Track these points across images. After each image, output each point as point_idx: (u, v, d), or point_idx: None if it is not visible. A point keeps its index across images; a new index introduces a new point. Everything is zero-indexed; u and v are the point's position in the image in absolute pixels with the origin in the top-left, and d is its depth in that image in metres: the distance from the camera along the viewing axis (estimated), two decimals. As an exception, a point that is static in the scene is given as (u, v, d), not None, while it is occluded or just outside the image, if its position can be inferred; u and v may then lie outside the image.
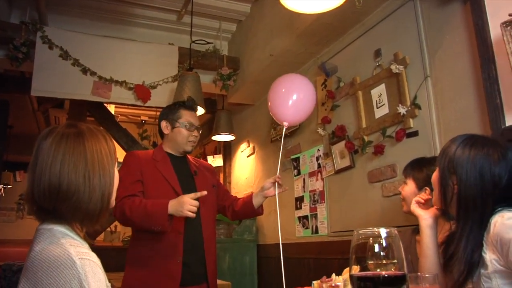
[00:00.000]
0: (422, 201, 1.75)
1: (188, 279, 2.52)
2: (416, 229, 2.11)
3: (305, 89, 2.69)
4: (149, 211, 2.35)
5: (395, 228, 1.03)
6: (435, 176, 1.63)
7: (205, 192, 2.39)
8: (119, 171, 2.53)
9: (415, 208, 1.76)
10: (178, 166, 2.69)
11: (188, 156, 2.82)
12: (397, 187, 2.79)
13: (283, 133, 2.75)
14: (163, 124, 2.72)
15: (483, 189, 1.44)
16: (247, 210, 2.76)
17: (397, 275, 0.97)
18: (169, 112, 2.74)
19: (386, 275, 0.97)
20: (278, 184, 2.64)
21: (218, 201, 2.84)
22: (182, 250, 2.51)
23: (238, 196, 2.93)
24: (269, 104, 2.73)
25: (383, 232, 1.01)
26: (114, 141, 4.85)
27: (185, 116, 2.72)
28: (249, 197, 2.74)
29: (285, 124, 2.70)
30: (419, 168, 2.04)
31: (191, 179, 2.68)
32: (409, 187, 2.05)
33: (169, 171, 2.62)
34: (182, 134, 2.69)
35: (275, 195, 2.63)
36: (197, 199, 2.35)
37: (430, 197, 1.76)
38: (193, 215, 2.33)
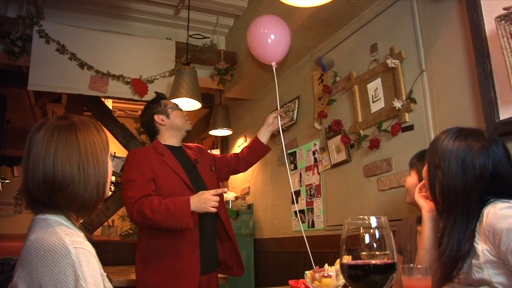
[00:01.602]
0: (424, 191, 1.72)
1: (204, 268, 2.59)
2: (419, 219, 2.10)
3: (278, 25, 3.00)
4: (171, 210, 2.39)
5: (386, 217, 1.04)
6: (425, 169, 1.64)
7: (225, 190, 2.57)
8: (127, 172, 2.58)
9: (418, 198, 1.73)
10: (180, 157, 2.75)
11: (182, 146, 2.86)
12: (393, 181, 2.81)
13: (274, 73, 2.93)
14: (158, 118, 2.78)
15: (465, 182, 1.45)
16: (256, 152, 2.96)
17: (387, 263, 0.98)
18: (155, 107, 2.83)
19: (376, 263, 0.98)
20: (281, 116, 2.91)
21: (223, 169, 2.97)
22: (199, 241, 2.57)
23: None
24: (252, 50, 3.01)
25: (373, 221, 1.03)
26: (112, 136, 4.87)
27: (169, 103, 2.86)
28: (254, 140, 2.97)
29: (273, 64, 2.94)
30: (422, 160, 2.02)
31: (193, 167, 2.75)
32: (412, 178, 2.04)
33: (175, 164, 2.68)
34: (178, 116, 2.82)
35: (279, 128, 2.90)
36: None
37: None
38: (216, 210, 2.43)
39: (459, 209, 1.45)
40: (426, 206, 1.68)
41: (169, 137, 2.78)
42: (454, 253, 1.43)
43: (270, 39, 2.92)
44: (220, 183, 2.79)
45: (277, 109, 2.93)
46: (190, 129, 2.88)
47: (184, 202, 2.41)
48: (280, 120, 2.91)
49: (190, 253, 2.53)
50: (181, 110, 2.87)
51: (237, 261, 2.82)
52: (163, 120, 2.77)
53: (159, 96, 2.94)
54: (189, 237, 2.55)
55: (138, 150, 2.77)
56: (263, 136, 2.94)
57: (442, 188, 1.50)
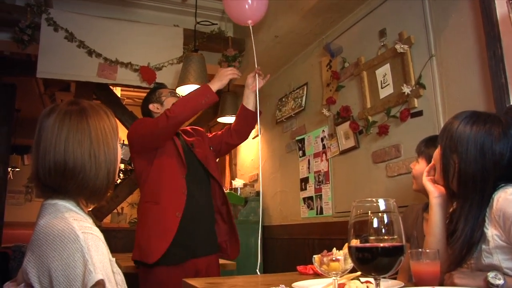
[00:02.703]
0: (433, 174, 1.69)
1: (200, 250, 2.63)
2: (425, 206, 2.07)
3: None
4: (192, 92, 2.64)
5: (394, 200, 1.03)
6: (437, 153, 1.62)
7: (240, 74, 2.79)
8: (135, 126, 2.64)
9: (426, 182, 1.70)
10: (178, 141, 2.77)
11: (179, 131, 2.90)
12: (401, 167, 2.80)
13: (251, 33, 2.85)
14: (153, 107, 2.86)
15: (483, 167, 1.42)
16: (243, 118, 2.89)
17: (395, 246, 0.98)
18: (151, 97, 2.90)
19: (384, 246, 0.98)
20: (259, 74, 2.80)
21: (217, 147, 2.97)
22: (183, 207, 2.59)
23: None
24: (226, 9, 2.95)
25: (381, 203, 1.02)
26: (121, 124, 4.88)
27: (164, 91, 2.90)
28: (241, 109, 2.89)
29: (249, 22, 2.84)
30: (431, 147, 1.97)
31: (190, 151, 2.76)
32: (421, 165, 2.00)
33: (176, 144, 2.72)
34: (172, 102, 2.79)
35: (260, 86, 2.80)
36: None
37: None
38: (236, 75, 2.72)
39: (476, 195, 1.43)
40: (434, 191, 1.65)
41: None
42: (467, 239, 1.42)
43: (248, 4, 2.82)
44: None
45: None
46: None
47: (202, 85, 2.65)
48: (259, 78, 2.80)
49: (171, 215, 2.56)
50: (176, 97, 2.88)
51: (232, 243, 2.82)
52: (158, 108, 2.83)
53: (156, 86, 3.00)
54: (175, 202, 2.59)
55: None
56: (248, 100, 2.85)
57: (459, 173, 1.47)
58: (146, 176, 2.65)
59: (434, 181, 1.66)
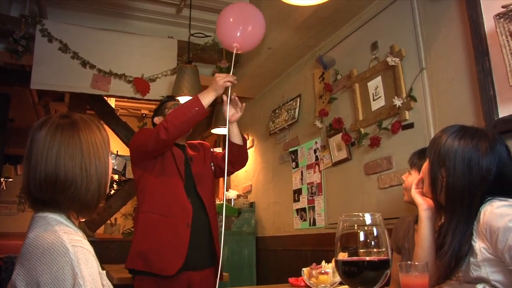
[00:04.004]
0: (421, 187, 1.70)
1: (194, 263, 2.57)
2: (417, 217, 2.07)
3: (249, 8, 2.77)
4: (183, 104, 2.59)
5: (380, 214, 1.05)
6: (425, 166, 1.64)
7: (236, 82, 2.60)
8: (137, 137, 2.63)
9: (415, 195, 1.71)
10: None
11: (185, 144, 2.88)
12: (393, 179, 2.82)
13: (233, 58, 2.63)
14: (157, 120, 2.84)
15: (470, 182, 1.43)
16: (229, 149, 2.73)
17: (381, 259, 0.99)
18: (158, 110, 2.90)
19: (370, 260, 0.99)
20: (232, 100, 2.65)
21: (214, 166, 2.90)
22: (191, 216, 2.57)
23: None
24: (217, 31, 2.76)
25: (367, 218, 1.03)
26: (115, 135, 4.87)
27: (169, 104, 2.88)
28: (227, 139, 2.76)
29: (235, 45, 2.60)
30: (425, 159, 1.99)
31: (188, 165, 2.74)
32: (413, 177, 1.99)
33: (176, 156, 2.71)
34: None
35: (236, 118, 2.69)
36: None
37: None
38: (229, 83, 2.54)
39: (463, 210, 1.44)
40: (423, 204, 1.66)
41: None
42: (455, 252, 1.43)
43: (233, 16, 2.65)
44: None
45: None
46: None
47: (193, 96, 2.56)
48: (237, 109, 2.66)
49: (182, 227, 2.54)
50: None
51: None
52: (160, 120, 2.79)
53: (165, 100, 3.00)
54: (182, 210, 2.57)
55: None
56: (229, 132, 2.74)
57: (447, 187, 1.48)
58: (146, 186, 2.63)
59: (423, 194, 1.68)
